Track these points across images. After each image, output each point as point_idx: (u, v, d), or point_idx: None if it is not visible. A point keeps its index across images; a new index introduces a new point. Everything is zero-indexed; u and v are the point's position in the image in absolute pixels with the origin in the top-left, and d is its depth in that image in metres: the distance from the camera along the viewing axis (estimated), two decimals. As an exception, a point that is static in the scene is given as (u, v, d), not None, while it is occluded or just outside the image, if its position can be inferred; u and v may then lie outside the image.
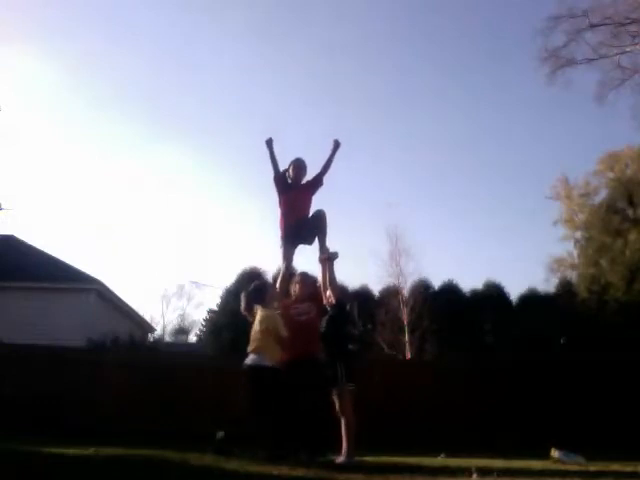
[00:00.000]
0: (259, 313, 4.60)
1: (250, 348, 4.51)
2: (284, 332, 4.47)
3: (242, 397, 4.49)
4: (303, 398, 4.55)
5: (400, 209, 42.78)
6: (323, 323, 4.76)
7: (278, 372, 4.42)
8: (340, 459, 4.39)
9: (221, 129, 57.55)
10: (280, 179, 5.26)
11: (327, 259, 4.93)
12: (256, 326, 4.55)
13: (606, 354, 11.36)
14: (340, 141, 5.34)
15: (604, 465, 4.84)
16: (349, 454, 4.40)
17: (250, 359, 4.46)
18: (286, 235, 5.08)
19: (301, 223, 5.07)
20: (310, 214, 5.18)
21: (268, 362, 4.37)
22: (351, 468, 3.93)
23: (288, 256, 5.07)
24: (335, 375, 4.51)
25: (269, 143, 5.29)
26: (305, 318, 4.75)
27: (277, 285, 5.09)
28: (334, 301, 4.79)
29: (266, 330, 4.45)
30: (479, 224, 48.97)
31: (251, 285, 4.97)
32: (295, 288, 4.98)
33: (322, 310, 4.86)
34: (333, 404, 4.56)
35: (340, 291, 5.05)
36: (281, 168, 5.31)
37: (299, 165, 5.27)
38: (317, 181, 5.29)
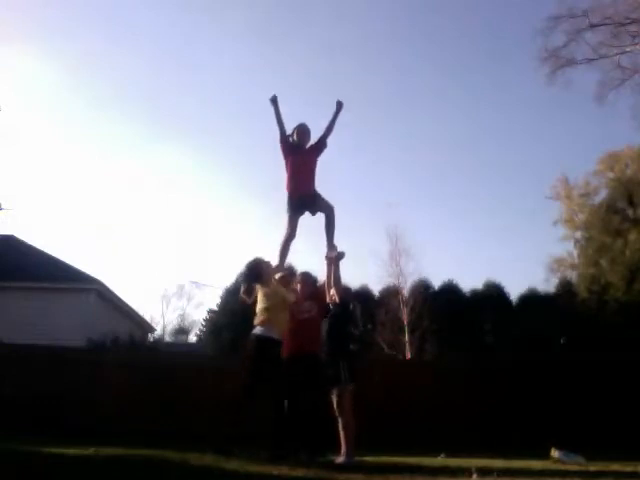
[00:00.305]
0: (260, 292, 4.67)
1: (257, 321, 4.57)
2: (291, 297, 4.64)
3: (241, 367, 4.52)
4: (303, 398, 4.56)
5: (400, 209, 42.90)
6: (325, 322, 4.76)
7: (281, 345, 4.51)
8: (340, 459, 4.39)
9: (221, 129, 57.61)
10: (286, 142, 5.24)
11: (335, 258, 4.93)
12: (261, 303, 4.61)
13: (606, 354, 11.36)
14: (342, 101, 5.31)
15: (604, 465, 4.84)
16: (348, 454, 4.40)
17: (258, 330, 4.52)
18: (291, 202, 5.05)
19: (307, 194, 5.06)
20: (315, 182, 5.15)
21: (276, 335, 4.46)
22: (351, 468, 3.93)
23: (292, 223, 5.03)
24: (337, 375, 4.51)
25: (274, 101, 5.25)
26: (306, 316, 4.80)
27: (278, 250, 5.02)
28: (338, 300, 4.81)
29: (272, 306, 4.52)
30: (479, 224, 48.98)
31: (245, 268, 4.98)
32: (296, 287, 5.02)
33: (323, 309, 4.88)
34: (332, 403, 4.56)
35: (344, 291, 5.06)
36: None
37: (303, 130, 5.25)
38: (321, 143, 5.28)
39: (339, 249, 4.93)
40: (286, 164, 5.19)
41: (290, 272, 5.46)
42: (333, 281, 4.86)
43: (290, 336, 4.65)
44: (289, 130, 5.25)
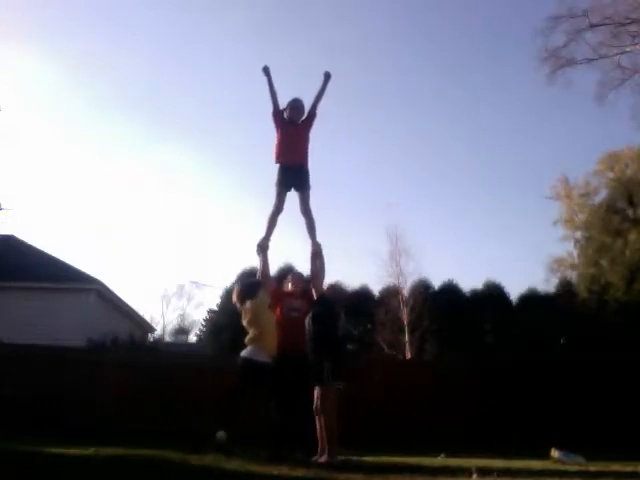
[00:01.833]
0: (249, 306, 4.65)
1: (247, 339, 4.55)
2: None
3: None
4: (297, 397, 4.56)
5: (400, 209, 42.91)
6: (308, 320, 4.71)
7: (269, 367, 4.42)
8: (322, 458, 4.33)
9: (221, 129, 57.58)
10: (279, 116, 5.28)
11: (312, 253, 4.98)
12: (249, 319, 4.59)
13: (606, 354, 11.37)
14: (330, 72, 5.37)
15: (604, 465, 4.84)
16: (331, 454, 4.32)
17: (246, 351, 4.50)
18: (280, 173, 5.10)
19: (298, 163, 5.11)
20: (308, 156, 5.20)
21: (262, 357, 4.40)
22: (351, 468, 3.93)
23: (280, 198, 5.08)
24: (319, 373, 4.42)
25: (266, 70, 5.28)
26: (296, 315, 4.83)
27: (266, 223, 5.07)
28: (315, 295, 4.85)
29: (262, 322, 4.50)
30: (479, 224, 48.89)
31: (247, 279, 5.02)
32: (288, 285, 5.10)
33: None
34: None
35: (335, 293, 5.09)
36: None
37: (296, 106, 5.28)
38: (312, 115, 5.33)
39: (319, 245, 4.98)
40: (277, 133, 5.24)
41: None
42: (311, 275, 4.94)
43: (281, 334, 4.64)
44: (282, 104, 5.28)
